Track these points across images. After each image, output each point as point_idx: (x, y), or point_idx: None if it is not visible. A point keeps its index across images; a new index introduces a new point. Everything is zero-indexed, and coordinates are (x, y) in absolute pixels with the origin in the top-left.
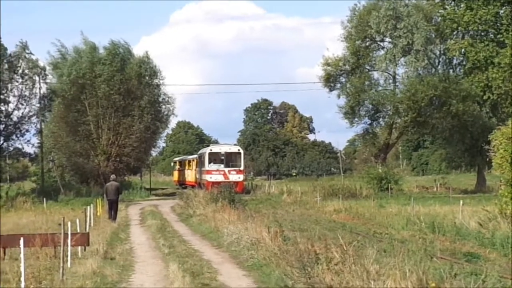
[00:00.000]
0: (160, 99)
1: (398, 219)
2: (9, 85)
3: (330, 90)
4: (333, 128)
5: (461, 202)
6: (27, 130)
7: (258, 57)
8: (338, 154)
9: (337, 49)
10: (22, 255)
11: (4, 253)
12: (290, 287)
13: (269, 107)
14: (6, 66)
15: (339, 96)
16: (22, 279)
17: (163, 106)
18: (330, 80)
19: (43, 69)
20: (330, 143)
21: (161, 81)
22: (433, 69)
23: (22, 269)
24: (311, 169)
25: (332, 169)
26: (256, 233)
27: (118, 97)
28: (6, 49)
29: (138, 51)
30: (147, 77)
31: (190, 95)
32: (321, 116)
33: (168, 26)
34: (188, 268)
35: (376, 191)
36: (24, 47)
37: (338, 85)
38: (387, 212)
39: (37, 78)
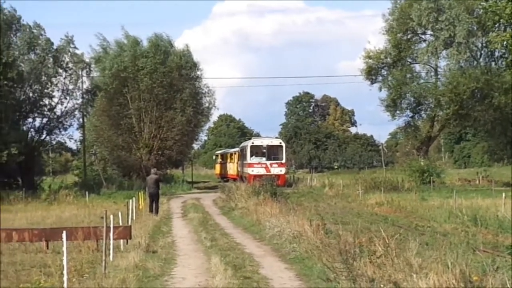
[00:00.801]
0: (201, 91)
1: (440, 212)
2: (53, 79)
3: (372, 83)
4: (375, 121)
5: (504, 195)
6: (70, 124)
7: (299, 51)
8: (380, 147)
9: (379, 42)
10: (64, 249)
11: (47, 246)
12: (332, 280)
13: (310, 100)
14: (51, 60)
15: (380, 89)
16: (65, 272)
17: (204, 99)
18: (371, 73)
19: (89, 64)
20: (371, 136)
21: (198, 73)
22: (475, 62)
23: (64, 262)
24: (353, 162)
25: (374, 162)
26: (298, 226)
27: (160, 90)
28: (52, 43)
29: (179, 44)
30: (187, 69)
31: (232, 88)
32: (363, 109)
33: (210, 20)
34: (230, 261)
35: (418, 184)
36: (69, 41)
37: (380, 78)
38: (429, 205)
39: (80, 72)
